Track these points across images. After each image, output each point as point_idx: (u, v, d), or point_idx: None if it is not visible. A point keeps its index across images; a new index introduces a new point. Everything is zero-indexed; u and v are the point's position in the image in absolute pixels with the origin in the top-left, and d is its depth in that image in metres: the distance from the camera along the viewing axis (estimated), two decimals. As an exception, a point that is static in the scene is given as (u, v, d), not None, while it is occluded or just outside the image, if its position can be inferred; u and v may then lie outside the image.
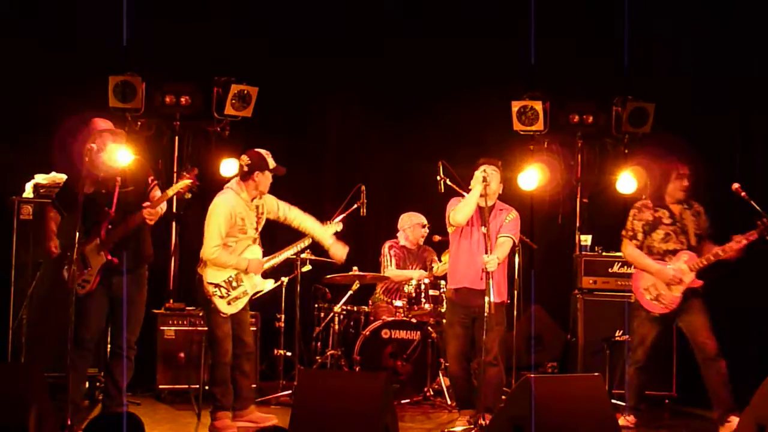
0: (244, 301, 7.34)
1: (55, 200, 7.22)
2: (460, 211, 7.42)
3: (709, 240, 7.46)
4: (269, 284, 7.62)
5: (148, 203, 6.96)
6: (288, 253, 7.75)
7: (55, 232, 7.12)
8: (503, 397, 8.28)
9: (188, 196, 7.31)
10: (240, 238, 7.29)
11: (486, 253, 7.18)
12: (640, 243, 7.51)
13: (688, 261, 7.33)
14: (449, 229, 7.66)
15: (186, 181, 7.09)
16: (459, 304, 7.49)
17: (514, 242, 7.53)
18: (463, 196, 7.52)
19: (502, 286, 7.44)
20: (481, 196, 7.36)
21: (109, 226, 6.93)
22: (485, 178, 7.33)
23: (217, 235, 7.16)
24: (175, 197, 9.09)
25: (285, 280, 8.60)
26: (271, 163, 7.33)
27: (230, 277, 7.26)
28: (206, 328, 7.49)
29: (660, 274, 7.38)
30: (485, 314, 7.01)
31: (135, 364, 7.17)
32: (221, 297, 7.22)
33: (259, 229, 7.44)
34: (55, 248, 7.07)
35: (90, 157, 6.87)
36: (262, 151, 7.35)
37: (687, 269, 7.32)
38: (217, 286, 7.21)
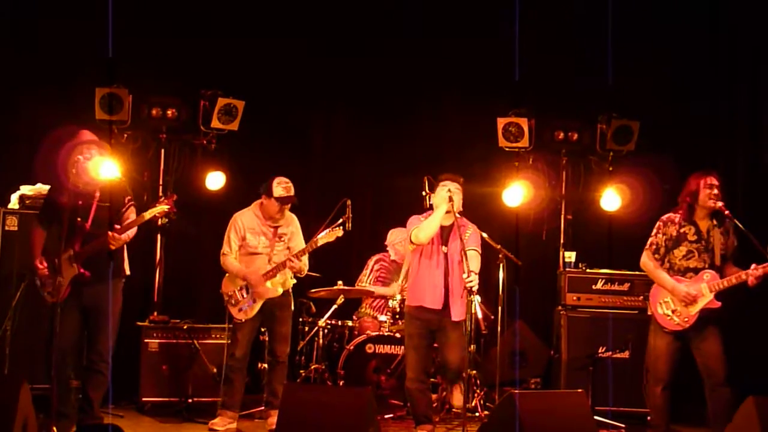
0: (256, 308, 7.87)
1: (40, 218, 7.17)
2: (424, 229, 7.32)
3: (732, 261, 7.26)
4: (278, 291, 7.97)
5: (118, 226, 6.98)
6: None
7: (41, 249, 7.04)
8: (486, 412, 8.36)
9: (164, 221, 7.32)
10: (253, 251, 7.96)
11: (463, 272, 7.13)
12: (661, 257, 7.34)
13: (709, 281, 7.12)
14: (410, 247, 7.59)
15: (163, 207, 7.15)
16: (417, 318, 7.44)
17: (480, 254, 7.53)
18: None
19: (463, 307, 7.33)
20: (446, 212, 7.37)
21: (84, 239, 6.92)
22: (451, 197, 7.30)
23: (226, 242, 7.99)
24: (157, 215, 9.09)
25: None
26: (276, 192, 7.91)
27: (241, 287, 7.92)
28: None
29: (674, 291, 7.18)
30: (483, 331, 7.35)
31: (117, 377, 7.19)
32: (233, 305, 7.93)
33: (275, 249, 7.98)
34: (40, 264, 6.95)
35: (77, 168, 6.93)
36: (277, 179, 7.99)
37: (707, 289, 7.11)
38: (228, 295, 7.96)
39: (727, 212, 7.17)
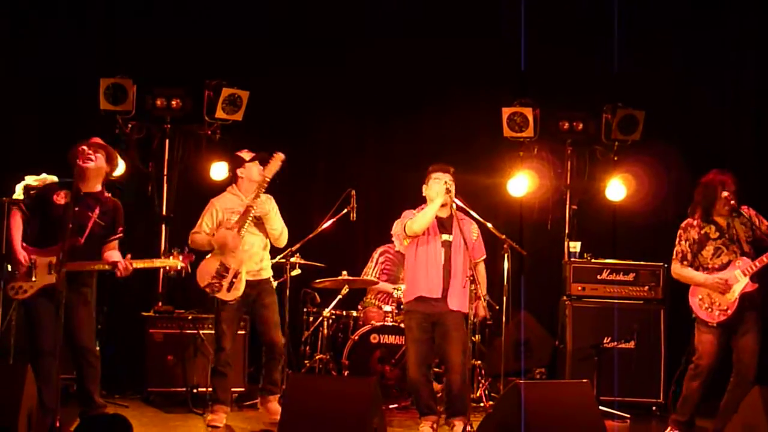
0: (242, 282, 7.55)
1: (24, 205, 7.00)
2: (418, 221, 7.30)
3: None
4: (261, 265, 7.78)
5: (127, 258, 6.85)
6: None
7: (20, 239, 6.83)
8: (491, 402, 8.35)
9: (172, 274, 7.22)
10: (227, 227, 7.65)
11: (465, 261, 7.20)
12: (690, 263, 7.32)
13: (741, 266, 7.12)
14: (405, 242, 7.57)
15: (178, 263, 7.09)
16: (417, 310, 7.40)
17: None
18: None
19: (465, 298, 7.30)
20: (443, 205, 7.35)
21: (72, 253, 6.61)
22: (448, 189, 7.28)
23: (198, 225, 7.73)
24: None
25: (274, 283, 8.58)
26: (246, 156, 7.78)
27: (216, 270, 7.56)
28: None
29: (707, 283, 7.18)
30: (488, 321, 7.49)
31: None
32: (218, 290, 7.55)
33: (247, 224, 7.62)
34: (24, 261, 6.73)
35: (88, 166, 6.85)
36: (237, 153, 7.86)
37: (741, 275, 7.09)
38: (210, 284, 7.55)
39: (733, 202, 7.13)
